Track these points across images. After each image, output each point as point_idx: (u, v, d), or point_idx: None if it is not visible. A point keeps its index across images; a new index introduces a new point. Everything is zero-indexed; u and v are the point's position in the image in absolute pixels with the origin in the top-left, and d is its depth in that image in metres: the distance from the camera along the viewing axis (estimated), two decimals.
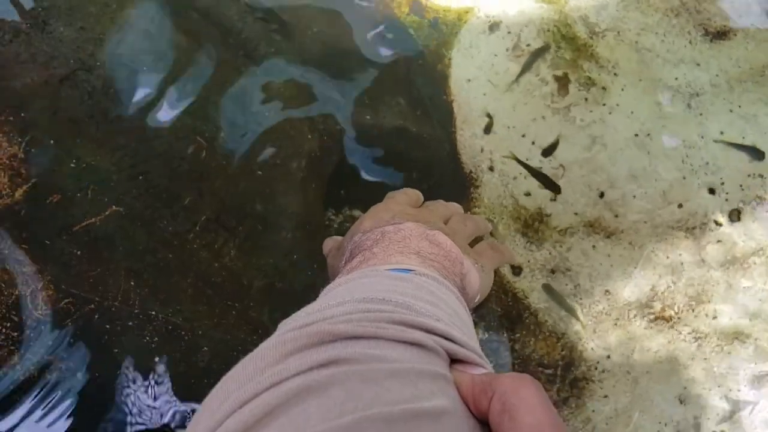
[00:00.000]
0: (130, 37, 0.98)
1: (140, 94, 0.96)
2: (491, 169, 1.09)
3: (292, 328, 0.37)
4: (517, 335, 1.00)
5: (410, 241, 0.53)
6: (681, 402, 1.03)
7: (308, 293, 0.93)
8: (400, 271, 0.48)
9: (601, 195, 1.08)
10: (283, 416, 0.29)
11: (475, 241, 0.64)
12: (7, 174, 0.86)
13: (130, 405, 0.79)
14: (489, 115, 1.13)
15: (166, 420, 0.80)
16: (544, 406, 0.30)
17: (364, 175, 1.05)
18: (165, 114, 0.96)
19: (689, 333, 1.05)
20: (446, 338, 0.37)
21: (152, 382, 0.81)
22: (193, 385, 0.86)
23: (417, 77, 1.16)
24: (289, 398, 0.30)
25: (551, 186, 1.08)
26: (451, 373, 0.35)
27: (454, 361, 0.37)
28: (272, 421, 0.29)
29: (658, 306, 1.05)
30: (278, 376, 0.32)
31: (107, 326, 0.82)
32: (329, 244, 0.68)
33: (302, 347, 0.34)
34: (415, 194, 0.71)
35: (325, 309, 0.39)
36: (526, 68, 1.15)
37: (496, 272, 1.05)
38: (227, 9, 1.06)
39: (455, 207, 0.69)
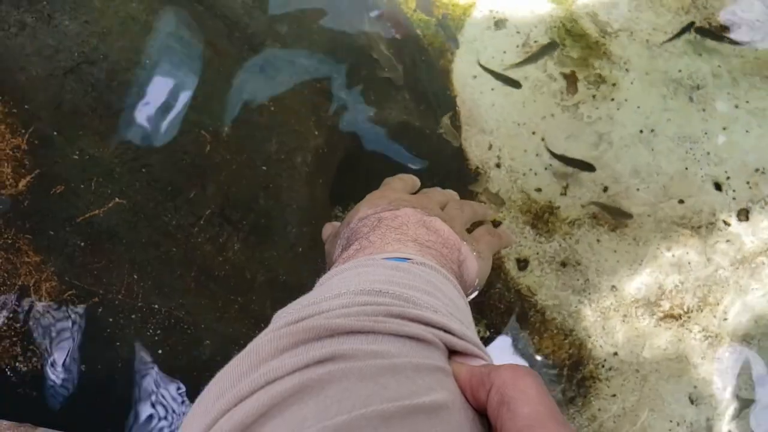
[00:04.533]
0: (135, 30, 0.98)
1: (144, 87, 0.95)
2: (498, 165, 1.09)
3: (287, 322, 0.36)
4: (522, 334, 1.00)
5: (407, 228, 0.52)
6: (692, 402, 1.02)
7: (313, 287, 0.92)
8: (397, 259, 0.47)
9: (605, 189, 1.08)
10: (279, 416, 0.29)
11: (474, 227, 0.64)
12: (11, 165, 0.86)
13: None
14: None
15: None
16: (542, 398, 0.30)
17: (371, 169, 1.04)
18: (169, 107, 0.95)
19: (699, 332, 1.04)
20: (445, 330, 0.37)
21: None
22: (195, 380, 0.85)
23: (421, 73, 1.16)
24: (285, 397, 0.30)
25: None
26: (449, 365, 0.35)
27: (453, 352, 0.36)
28: (268, 421, 0.29)
29: (666, 304, 1.05)
30: (273, 373, 0.31)
31: (110, 319, 0.81)
32: (328, 229, 0.67)
33: (298, 343, 0.33)
34: (411, 180, 0.70)
35: (321, 302, 0.38)
36: (530, 60, 1.14)
37: (501, 270, 1.04)
38: (233, 2, 1.06)
39: (452, 193, 0.68)
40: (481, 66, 1.12)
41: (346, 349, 0.32)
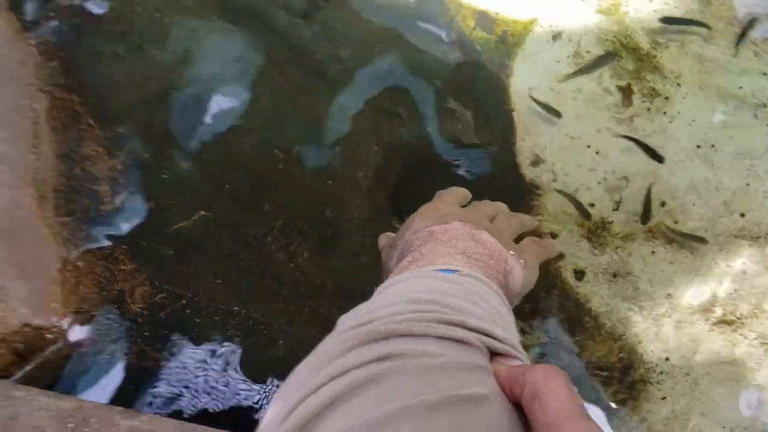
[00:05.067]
0: (215, 58, 1.07)
1: (224, 110, 1.05)
2: (553, 180, 1.13)
3: (350, 326, 0.43)
4: (577, 338, 1.04)
5: (456, 242, 0.57)
6: (749, 407, 1.03)
7: (372, 293, 0.99)
8: (446, 271, 0.52)
9: (662, 204, 1.10)
10: (346, 403, 0.35)
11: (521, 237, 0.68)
12: (108, 184, 0.96)
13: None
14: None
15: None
16: (570, 394, 0.34)
17: (427, 182, 1.10)
18: (246, 128, 1.05)
19: (755, 338, 1.05)
20: (486, 335, 0.42)
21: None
22: (269, 374, 0.93)
23: (479, 87, 1.21)
24: (352, 387, 0.36)
25: (655, 155, 1.12)
26: (490, 364, 0.40)
27: (494, 353, 0.42)
28: (339, 405, 0.35)
29: (719, 311, 1.06)
30: (341, 368, 0.38)
31: (197, 320, 0.91)
32: (384, 240, 0.73)
33: (360, 343, 0.40)
34: (462, 193, 0.74)
35: (379, 309, 0.44)
36: (584, 70, 1.17)
37: (559, 279, 1.08)
38: (302, 31, 1.14)
39: (501, 206, 0.72)
40: (531, 98, 1.16)
41: (400, 349, 0.38)
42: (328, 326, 0.97)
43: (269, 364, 0.92)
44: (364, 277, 1.02)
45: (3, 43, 0.99)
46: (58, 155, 0.96)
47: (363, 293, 1.02)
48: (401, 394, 0.35)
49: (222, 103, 1.05)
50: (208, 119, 1.03)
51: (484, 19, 1.24)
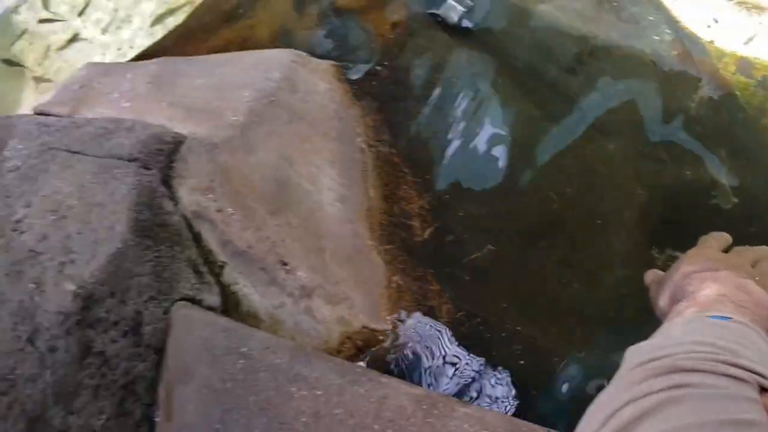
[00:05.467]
0: (496, 110, 1.28)
1: (504, 158, 1.25)
2: None
3: (646, 360, 0.57)
4: None
5: (725, 289, 0.66)
6: None
7: (634, 322, 1.12)
8: (720, 318, 0.62)
9: None
10: (654, 416, 0.49)
11: None
12: (419, 220, 1.22)
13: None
14: None
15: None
16: None
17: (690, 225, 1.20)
18: (522, 172, 1.24)
19: None
20: (756, 373, 0.52)
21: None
22: (542, 387, 1.11)
23: (739, 131, 1.28)
24: (657, 405, 0.49)
25: None
26: (761, 398, 0.51)
27: (763, 389, 0.52)
28: (648, 417, 0.49)
29: None
30: (644, 391, 0.51)
31: (488, 335, 1.12)
32: (650, 276, 0.84)
33: (657, 374, 0.53)
34: (724, 238, 0.83)
35: (667, 347, 0.57)
36: None
37: None
38: (569, 83, 1.31)
39: (764, 251, 0.80)
40: None
41: (689, 381, 0.51)
42: (596, 350, 1.13)
43: (542, 378, 1.10)
44: (626, 307, 1.16)
45: (342, 109, 1.29)
46: (382, 196, 1.24)
47: (625, 322, 1.16)
48: (693, 413, 0.48)
49: (502, 153, 1.26)
50: (491, 166, 1.24)
51: (744, 64, 1.30)
